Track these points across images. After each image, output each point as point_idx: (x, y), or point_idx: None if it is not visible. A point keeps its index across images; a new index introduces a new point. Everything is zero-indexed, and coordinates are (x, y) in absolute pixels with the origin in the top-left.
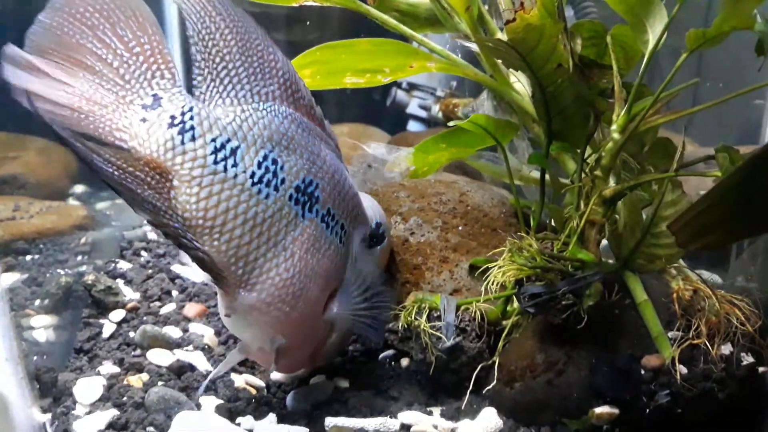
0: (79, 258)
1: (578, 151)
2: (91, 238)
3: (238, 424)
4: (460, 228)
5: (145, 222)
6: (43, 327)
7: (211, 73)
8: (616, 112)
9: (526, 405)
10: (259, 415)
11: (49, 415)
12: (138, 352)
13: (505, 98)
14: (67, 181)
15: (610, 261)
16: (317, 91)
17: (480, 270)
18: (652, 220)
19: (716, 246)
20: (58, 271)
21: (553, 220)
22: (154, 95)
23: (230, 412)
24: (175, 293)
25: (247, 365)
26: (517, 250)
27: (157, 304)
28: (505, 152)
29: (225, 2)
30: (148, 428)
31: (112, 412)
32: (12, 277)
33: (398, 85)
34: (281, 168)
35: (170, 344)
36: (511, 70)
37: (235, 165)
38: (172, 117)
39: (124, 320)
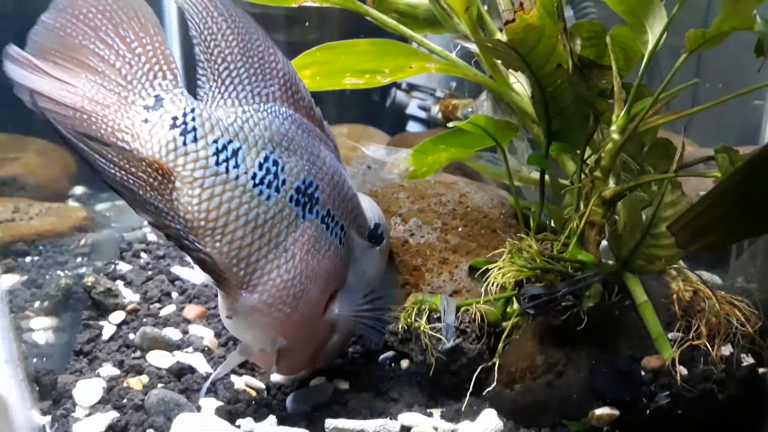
0: (79, 260)
1: (578, 151)
2: (91, 239)
3: (238, 426)
4: (459, 229)
5: (146, 223)
6: (42, 329)
7: (213, 74)
8: (616, 113)
9: (526, 406)
10: (259, 417)
11: (48, 418)
12: (138, 354)
13: (504, 99)
14: (66, 182)
15: (610, 262)
16: (317, 91)
17: (480, 271)
18: (651, 220)
19: (716, 247)
20: (58, 272)
21: (552, 221)
22: (156, 96)
23: (230, 414)
24: (174, 295)
25: (247, 367)
26: (517, 251)
27: (157, 305)
28: (505, 153)
29: (226, 2)
30: (147, 430)
31: (111, 415)
32: (11, 279)
33: (398, 85)
34: (282, 169)
35: (170, 346)
36: (510, 70)
37: (236, 166)
38: (174, 118)
39: (123, 322)
